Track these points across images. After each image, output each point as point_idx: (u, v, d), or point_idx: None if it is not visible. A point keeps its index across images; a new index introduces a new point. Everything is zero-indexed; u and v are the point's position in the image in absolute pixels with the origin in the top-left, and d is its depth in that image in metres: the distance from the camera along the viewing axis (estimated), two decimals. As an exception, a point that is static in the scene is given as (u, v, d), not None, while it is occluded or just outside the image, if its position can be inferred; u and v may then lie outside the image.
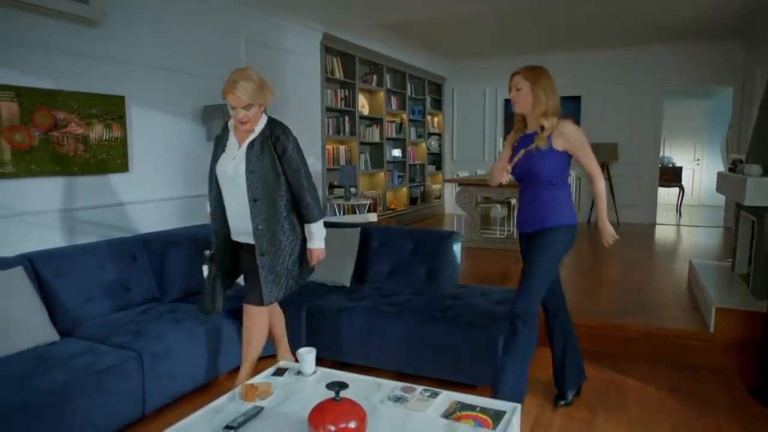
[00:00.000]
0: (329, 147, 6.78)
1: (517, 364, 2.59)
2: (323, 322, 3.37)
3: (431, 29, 7.39)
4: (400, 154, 8.60)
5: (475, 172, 8.43)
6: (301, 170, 2.69)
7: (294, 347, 2.97)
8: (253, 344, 2.83)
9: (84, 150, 3.58)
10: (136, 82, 3.94)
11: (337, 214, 6.67)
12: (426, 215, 9.34)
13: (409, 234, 3.99)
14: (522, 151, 2.60)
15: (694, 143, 11.50)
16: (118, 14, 3.78)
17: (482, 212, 7.06)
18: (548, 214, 2.61)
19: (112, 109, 3.75)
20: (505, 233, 7.03)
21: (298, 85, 5.94)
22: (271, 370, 2.46)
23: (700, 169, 11.48)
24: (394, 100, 8.39)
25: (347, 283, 3.76)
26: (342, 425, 1.69)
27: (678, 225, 8.84)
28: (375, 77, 7.77)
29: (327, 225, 4.15)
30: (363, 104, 7.63)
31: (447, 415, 2.00)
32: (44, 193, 3.37)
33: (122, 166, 3.86)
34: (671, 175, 10.21)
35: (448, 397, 2.15)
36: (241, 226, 2.70)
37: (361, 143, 7.53)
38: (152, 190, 4.13)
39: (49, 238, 3.37)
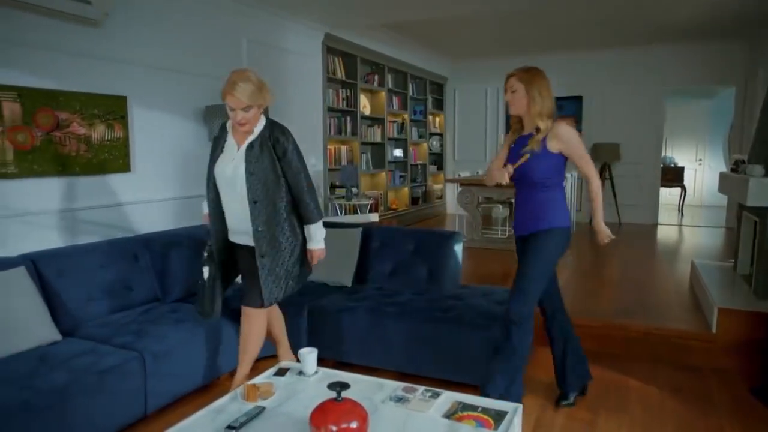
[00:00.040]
0: (331, 147, 6.78)
1: (510, 367, 2.59)
2: (325, 322, 3.37)
3: (433, 29, 7.39)
4: (402, 154, 8.60)
5: (477, 172, 8.43)
6: (301, 172, 2.69)
7: (295, 347, 2.97)
8: (251, 347, 2.80)
9: (86, 150, 3.59)
10: (138, 82, 3.95)
11: (339, 214, 6.67)
12: (427, 215, 9.34)
13: (411, 234, 3.99)
14: (526, 156, 2.58)
15: (696, 143, 11.48)
16: (120, 14, 3.79)
17: (484, 212, 7.06)
18: (542, 216, 2.60)
19: (114, 110, 3.76)
20: (507, 233, 7.02)
21: (300, 86, 5.95)
22: (272, 370, 2.46)
23: (702, 169, 11.46)
24: (395, 100, 8.39)
25: (349, 283, 3.76)
26: (343, 425, 1.69)
27: (680, 225, 8.82)
28: (376, 77, 7.77)
29: (329, 225, 4.15)
30: (364, 104, 7.63)
31: (448, 415, 2.00)
32: (46, 194, 3.38)
33: (124, 167, 3.86)
34: (673, 176, 10.20)
35: (449, 397, 2.15)
36: (240, 228, 2.68)
37: (363, 143, 7.53)
38: (154, 190, 4.13)
39: (51, 238, 3.38)
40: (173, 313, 3.15)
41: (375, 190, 7.91)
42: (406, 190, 8.82)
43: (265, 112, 4.33)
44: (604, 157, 8.62)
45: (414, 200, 9.05)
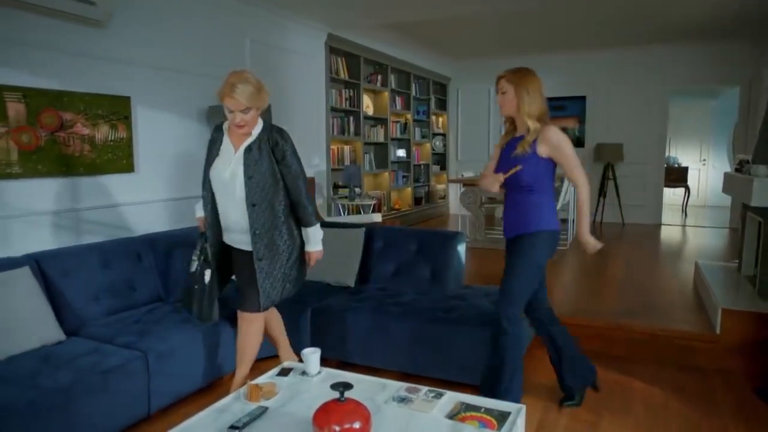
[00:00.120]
0: (334, 147, 6.79)
1: (506, 372, 2.59)
2: (328, 323, 3.37)
3: (435, 29, 7.38)
4: (405, 155, 8.60)
5: (480, 173, 8.42)
6: (300, 175, 2.67)
7: (299, 347, 2.96)
8: (249, 350, 2.78)
9: (90, 150, 3.60)
10: (142, 82, 3.96)
11: (342, 214, 6.68)
12: (430, 215, 9.34)
13: (414, 234, 3.99)
14: (518, 167, 2.56)
15: (699, 143, 11.44)
16: (124, 15, 3.80)
17: (487, 212, 7.06)
18: (529, 219, 2.60)
19: (118, 110, 3.77)
20: (510, 234, 7.00)
21: (303, 86, 5.95)
22: (275, 370, 2.46)
23: (705, 169, 11.42)
24: (398, 100, 8.39)
25: (352, 283, 3.76)
26: (346, 426, 1.69)
27: (684, 225, 8.80)
28: (379, 77, 7.77)
29: (332, 225, 4.17)
30: (367, 104, 7.63)
31: (452, 415, 2.00)
32: (50, 194, 3.39)
33: (128, 167, 3.87)
34: (677, 176, 10.17)
35: (452, 397, 2.15)
36: (237, 231, 2.65)
37: (366, 143, 7.53)
38: (157, 191, 4.14)
39: (55, 238, 3.40)
40: (176, 313, 3.16)
41: (378, 190, 7.91)
42: (409, 190, 8.82)
43: (268, 112, 4.31)
44: (608, 157, 8.60)
45: (417, 200, 9.05)
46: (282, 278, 2.68)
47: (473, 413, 2.00)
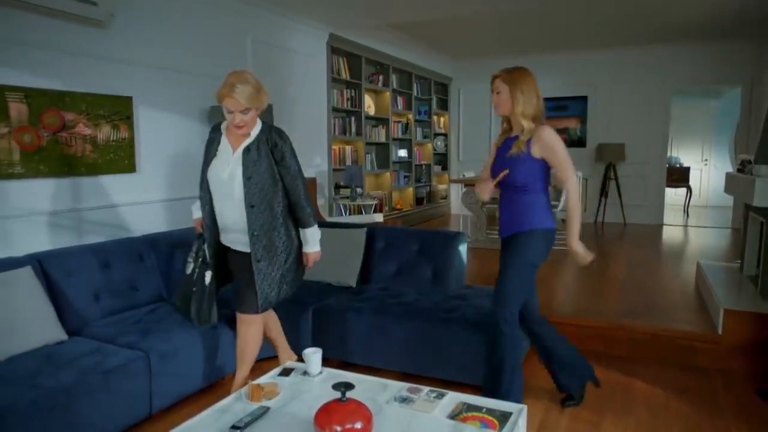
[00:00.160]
0: (335, 147, 6.79)
1: (506, 373, 2.58)
2: (329, 323, 3.38)
3: (437, 29, 7.39)
4: (406, 155, 8.60)
5: (479, 172, 8.41)
6: (299, 176, 2.66)
7: (300, 347, 2.95)
8: (248, 351, 2.76)
9: (92, 150, 3.60)
10: (143, 82, 3.96)
11: (343, 214, 6.68)
12: (432, 215, 9.34)
13: (415, 234, 3.99)
14: (506, 171, 2.57)
15: (701, 143, 11.43)
16: (126, 15, 3.81)
17: (488, 213, 7.05)
18: (524, 218, 2.59)
19: (120, 110, 3.77)
20: (512, 234, 7.00)
21: (305, 86, 5.95)
22: (277, 370, 2.47)
23: (707, 169, 11.41)
24: (400, 100, 8.39)
25: (353, 283, 3.76)
26: (348, 426, 1.69)
27: (685, 226, 8.79)
28: (381, 77, 7.77)
29: (333, 225, 4.18)
30: (369, 104, 7.63)
31: (453, 416, 2.00)
32: (52, 194, 3.40)
33: (129, 167, 3.87)
34: (679, 176, 10.16)
35: (454, 398, 2.15)
36: (235, 233, 2.63)
37: (367, 143, 7.53)
38: (159, 191, 4.15)
39: (57, 238, 3.40)
40: (178, 314, 3.15)
41: (379, 190, 7.91)
42: (410, 190, 8.82)
43: (269, 112, 4.32)
44: (609, 157, 8.60)
45: (418, 200, 9.05)
46: (280, 279, 2.66)
47: (475, 413, 2.00)
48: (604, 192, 8.67)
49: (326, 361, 2.51)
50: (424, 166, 9.35)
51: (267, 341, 3.00)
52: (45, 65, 3.31)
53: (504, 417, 1.97)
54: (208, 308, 2.73)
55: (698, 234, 7.94)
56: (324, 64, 6.34)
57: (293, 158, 2.65)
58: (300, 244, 2.75)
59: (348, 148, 7.11)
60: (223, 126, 2.66)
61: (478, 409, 2.04)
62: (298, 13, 5.60)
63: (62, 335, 2.75)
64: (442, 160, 10.12)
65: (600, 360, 3.50)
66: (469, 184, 6.70)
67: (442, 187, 9.99)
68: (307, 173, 5.80)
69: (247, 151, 2.56)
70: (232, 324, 3.10)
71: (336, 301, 3.48)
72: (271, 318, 2.96)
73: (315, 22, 5.96)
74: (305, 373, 2.39)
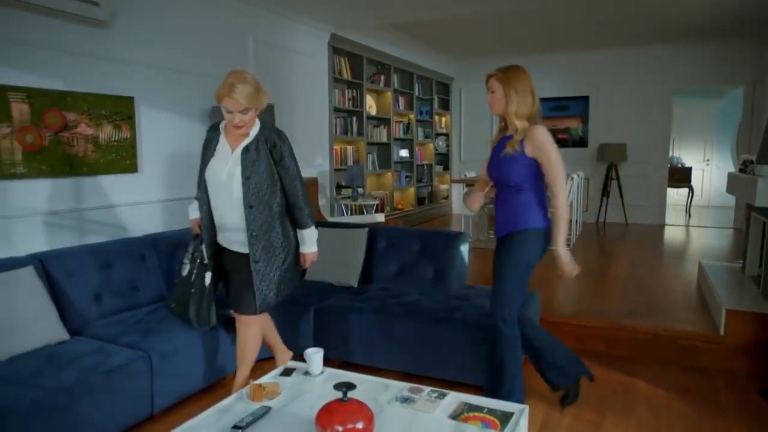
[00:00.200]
0: (337, 147, 6.79)
1: (507, 373, 2.57)
2: (331, 323, 3.38)
3: (438, 29, 7.38)
4: (408, 155, 8.60)
5: (479, 172, 8.41)
6: (297, 176, 2.64)
7: (302, 347, 2.95)
8: (248, 352, 2.74)
9: (93, 150, 3.61)
10: (145, 82, 3.97)
11: (345, 214, 6.68)
12: (433, 215, 9.33)
13: (417, 234, 3.99)
14: (489, 188, 2.61)
15: (703, 143, 11.41)
16: (127, 16, 3.81)
17: (489, 213, 7.05)
18: (518, 218, 2.57)
19: (122, 110, 3.77)
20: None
21: (306, 86, 5.96)
22: (278, 370, 2.47)
23: (709, 169, 11.40)
24: (401, 100, 8.39)
25: (355, 283, 3.76)
26: (349, 426, 1.69)
27: (687, 226, 8.78)
28: (382, 77, 7.77)
29: (335, 225, 4.18)
30: (370, 104, 7.63)
31: (454, 416, 2.00)
32: (54, 194, 3.40)
33: (131, 167, 3.88)
34: (680, 176, 10.15)
35: (455, 398, 2.14)
36: (233, 234, 2.61)
37: (369, 143, 7.53)
38: (161, 191, 4.15)
39: (58, 238, 3.40)
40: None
41: (381, 190, 7.91)
42: (412, 190, 8.81)
43: (271, 112, 4.32)
44: (611, 157, 8.59)
45: (420, 200, 9.04)
46: (278, 280, 2.64)
47: (476, 413, 2.00)
48: (605, 192, 8.66)
49: (327, 361, 2.50)
50: (425, 166, 9.35)
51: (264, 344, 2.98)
52: (47, 65, 3.32)
53: (505, 417, 1.97)
54: (208, 309, 2.72)
55: (700, 234, 7.93)
56: (325, 64, 6.34)
57: (292, 159, 2.64)
58: (297, 245, 2.74)
59: (349, 148, 7.11)
60: (222, 125, 2.65)
61: (479, 409, 2.04)
62: (299, 13, 5.60)
63: (64, 335, 2.75)
64: (444, 160, 10.11)
65: (601, 360, 3.50)
66: (471, 184, 6.70)
67: (443, 187, 9.99)
68: (309, 173, 5.82)
69: (246, 151, 2.55)
70: (231, 324, 3.10)
71: (337, 301, 3.48)
72: (266, 321, 2.93)
73: (316, 22, 5.96)
74: (307, 373, 2.39)
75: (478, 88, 9.79)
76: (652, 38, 7.91)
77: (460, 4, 5.58)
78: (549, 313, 3.87)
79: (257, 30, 5.15)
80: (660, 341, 3.57)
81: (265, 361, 3.16)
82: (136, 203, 3.95)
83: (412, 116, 8.64)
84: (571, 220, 7.06)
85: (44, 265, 2.91)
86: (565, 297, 4.52)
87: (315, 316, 3.42)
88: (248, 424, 1.94)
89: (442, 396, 2.15)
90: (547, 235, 2.62)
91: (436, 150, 9.63)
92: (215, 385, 3.11)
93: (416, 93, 8.72)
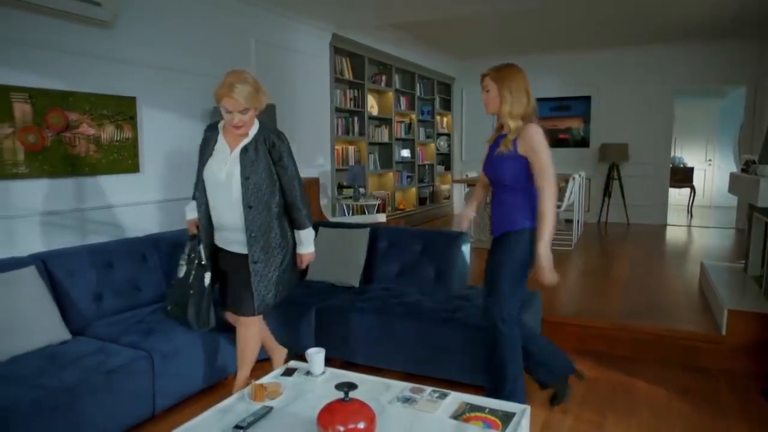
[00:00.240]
0: (338, 147, 6.79)
1: (508, 374, 2.57)
2: (332, 323, 3.38)
3: (439, 29, 7.38)
4: (409, 155, 8.60)
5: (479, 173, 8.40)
6: (296, 177, 2.63)
7: (303, 347, 2.95)
8: (249, 352, 2.73)
9: (95, 151, 3.61)
10: (147, 83, 3.97)
11: (346, 214, 6.68)
12: (435, 216, 9.33)
13: (418, 234, 3.99)
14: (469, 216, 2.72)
15: (705, 143, 11.40)
16: (129, 16, 3.82)
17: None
18: (513, 218, 2.56)
19: (123, 110, 3.78)
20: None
21: (308, 86, 5.96)
22: (280, 370, 2.47)
23: (711, 169, 11.38)
24: (403, 100, 8.39)
25: (356, 283, 3.76)
26: (351, 426, 1.69)
27: (689, 226, 8.76)
28: (384, 77, 7.77)
29: (336, 225, 4.18)
30: (372, 104, 7.63)
31: (456, 416, 2.00)
32: (56, 194, 3.41)
33: (133, 167, 3.88)
34: (682, 176, 10.14)
35: (457, 398, 2.14)
36: (232, 234, 2.60)
37: (370, 143, 7.53)
38: (162, 191, 4.15)
39: (60, 238, 3.41)
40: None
41: (382, 190, 7.91)
42: (413, 190, 8.81)
43: (272, 112, 4.31)
44: (613, 157, 8.58)
45: (421, 200, 9.04)
46: (276, 281, 2.63)
47: (478, 414, 2.00)
48: (607, 192, 8.65)
49: (329, 361, 2.51)
50: (427, 166, 9.35)
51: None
52: (49, 65, 3.33)
53: (507, 417, 1.97)
54: (207, 310, 2.70)
55: (702, 234, 7.92)
56: (327, 64, 6.34)
57: (291, 159, 2.62)
58: (295, 245, 2.72)
59: (351, 148, 7.11)
60: (221, 125, 2.63)
61: (481, 409, 2.04)
62: (301, 13, 5.60)
63: (66, 335, 2.76)
64: (445, 160, 10.11)
65: (603, 360, 3.50)
66: (472, 184, 6.70)
67: (445, 187, 9.99)
68: (310, 173, 5.83)
69: (244, 150, 2.53)
70: (226, 325, 3.07)
71: (339, 301, 3.48)
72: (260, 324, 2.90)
73: (318, 22, 5.97)
74: (308, 373, 2.39)
75: (479, 89, 9.73)
76: (653, 38, 7.90)
77: (460, 4, 5.58)
78: (550, 313, 3.87)
79: (259, 30, 5.16)
80: (661, 341, 3.57)
81: (266, 361, 3.16)
82: (138, 203, 3.95)
83: (413, 116, 8.64)
84: (572, 221, 7.06)
85: (46, 265, 2.92)
86: (567, 297, 4.52)
87: (316, 316, 3.42)
88: (250, 424, 1.94)
89: (444, 396, 2.15)
90: None
91: (438, 150, 9.63)
92: (216, 385, 3.11)
93: (418, 93, 8.72)
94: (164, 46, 4.11)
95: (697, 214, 9.98)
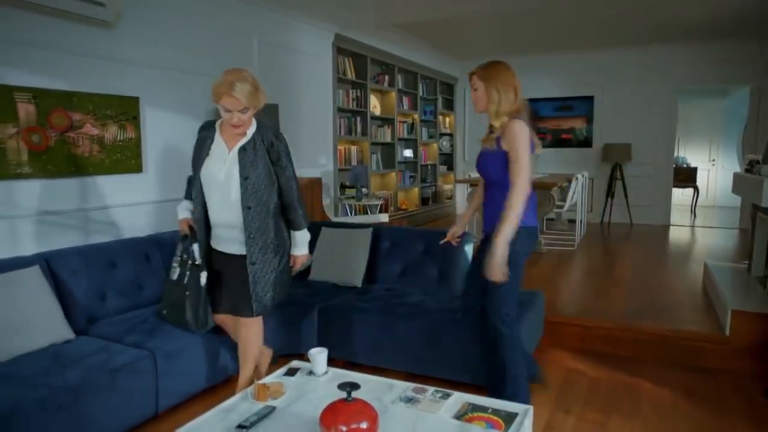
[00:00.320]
0: (341, 147, 6.80)
1: (509, 375, 2.55)
2: (335, 323, 3.38)
3: (442, 29, 7.38)
4: (412, 155, 8.60)
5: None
6: (293, 177, 2.61)
7: (306, 347, 2.96)
8: (250, 350, 2.72)
9: (99, 151, 3.62)
10: (150, 83, 3.98)
11: (349, 214, 6.68)
12: (437, 215, 9.32)
13: (421, 234, 3.99)
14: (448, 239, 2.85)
15: (709, 143, 11.37)
16: (133, 16, 3.82)
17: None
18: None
19: (127, 110, 3.79)
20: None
21: (310, 86, 5.96)
22: (282, 369, 2.47)
23: (715, 169, 11.35)
24: (405, 100, 8.39)
25: (359, 283, 3.76)
26: (353, 426, 1.69)
27: (692, 226, 8.74)
28: (386, 77, 7.77)
29: (339, 225, 4.18)
30: (374, 104, 7.64)
31: (458, 416, 2.00)
32: (60, 194, 3.42)
33: (136, 167, 3.89)
34: (686, 176, 10.11)
35: (459, 398, 2.14)
36: (229, 235, 2.57)
37: (373, 143, 7.53)
38: (165, 191, 4.16)
39: (64, 237, 3.42)
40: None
41: (385, 190, 7.91)
42: (416, 190, 8.81)
43: (276, 112, 4.31)
44: (616, 157, 8.56)
45: (424, 200, 9.04)
46: (273, 282, 2.60)
47: (480, 414, 2.00)
48: (610, 192, 8.64)
49: (331, 361, 2.50)
50: (429, 166, 9.35)
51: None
52: (53, 66, 3.33)
53: (510, 417, 1.97)
54: (205, 311, 2.65)
55: (705, 234, 7.90)
56: (329, 64, 6.35)
57: (289, 159, 2.60)
58: (290, 246, 2.71)
59: (353, 148, 7.12)
60: (218, 124, 2.59)
61: (483, 409, 2.04)
62: (303, 13, 5.61)
63: (69, 334, 2.77)
64: (448, 160, 10.11)
65: (606, 361, 3.49)
66: (474, 183, 6.69)
67: (447, 187, 9.98)
68: (313, 173, 5.83)
69: (243, 150, 2.50)
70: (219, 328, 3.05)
71: (341, 301, 3.48)
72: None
73: (320, 22, 5.97)
74: (311, 372, 2.39)
75: (482, 88, 9.80)
76: (653, 38, 7.88)
77: (461, 4, 5.57)
78: (553, 314, 3.87)
79: (261, 30, 5.16)
80: (665, 342, 3.56)
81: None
82: (141, 203, 3.96)
83: (416, 116, 8.64)
84: (575, 221, 7.05)
85: (50, 264, 2.93)
86: (569, 297, 4.51)
87: (319, 316, 3.42)
88: (252, 424, 1.95)
89: (447, 396, 2.15)
90: (533, 232, 2.59)
91: (440, 150, 9.63)
92: (219, 384, 3.11)
93: (420, 93, 8.72)
94: (167, 46, 4.12)
95: (701, 214, 9.96)
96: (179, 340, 2.84)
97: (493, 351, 2.59)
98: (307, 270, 3.90)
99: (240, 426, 1.93)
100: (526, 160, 2.42)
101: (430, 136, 9.24)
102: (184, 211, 2.74)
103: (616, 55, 8.61)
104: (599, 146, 8.92)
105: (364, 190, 6.67)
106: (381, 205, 6.90)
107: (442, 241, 3.06)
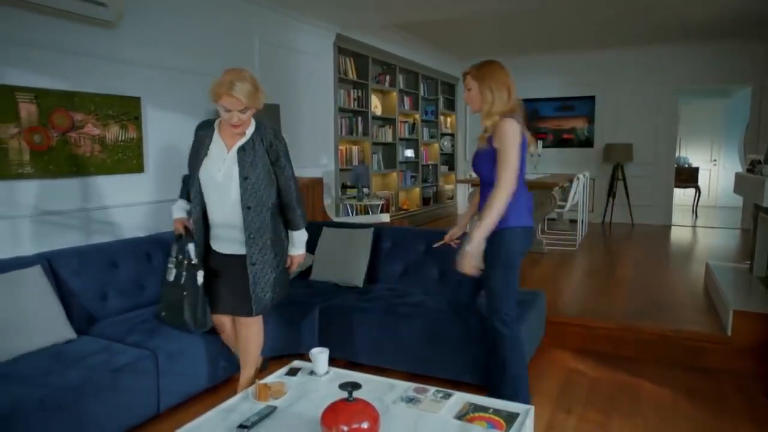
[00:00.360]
0: (342, 147, 6.80)
1: (509, 375, 2.55)
2: (336, 323, 3.38)
3: (443, 29, 7.38)
4: (413, 155, 8.60)
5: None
6: (292, 177, 2.61)
7: (307, 347, 2.96)
8: (251, 350, 2.71)
9: (100, 151, 3.62)
10: (151, 83, 3.98)
11: (350, 214, 6.68)
12: (439, 216, 9.32)
13: (422, 234, 3.99)
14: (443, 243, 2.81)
15: (710, 143, 11.35)
16: (134, 16, 3.83)
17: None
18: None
19: (128, 110, 3.79)
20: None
21: (311, 86, 5.97)
22: (284, 369, 2.47)
23: (716, 169, 11.33)
24: (406, 100, 8.39)
25: (360, 283, 3.76)
26: (355, 425, 1.69)
27: (694, 226, 8.73)
28: (388, 78, 7.77)
29: (340, 225, 4.18)
30: (376, 105, 7.64)
31: (460, 416, 2.00)
32: (61, 194, 3.42)
33: (137, 167, 3.90)
34: (687, 176, 10.10)
35: (460, 398, 2.14)
36: (229, 235, 2.56)
37: (374, 143, 7.53)
38: (166, 191, 4.15)
39: (65, 237, 3.42)
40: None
41: (386, 190, 7.91)
42: (417, 190, 8.81)
43: (276, 112, 4.31)
44: (617, 157, 8.56)
45: (425, 200, 9.04)
46: (273, 282, 2.60)
47: (481, 414, 2.00)
48: (611, 192, 8.63)
49: (333, 361, 2.51)
50: (430, 166, 9.35)
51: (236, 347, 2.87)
52: (55, 66, 3.34)
53: (511, 418, 1.97)
54: (203, 311, 2.64)
55: (707, 234, 7.89)
56: (331, 64, 6.35)
57: (288, 159, 2.60)
58: (288, 246, 2.70)
59: (355, 148, 7.12)
60: (216, 123, 2.57)
61: (484, 409, 2.04)
62: (304, 13, 5.61)
63: (71, 334, 2.77)
64: (449, 160, 10.11)
65: (607, 361, 3.49)
66: (476, 184, 6.69)
67: (448, 187, 9.98)
68: (314, 173, 5.83)
69: (242, 150, 2.49)
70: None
71: (342, 301, 3.48)
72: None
73: (322, 23, 5.97)
74: (312, 372, 2.39)
75: (483, 88, 9.79)
76: (653, 38, 7.87)
77: (461, 4, 5.57)
78: (554, 314, 3.87)
79: (262, 30, 5.16)
80: (666, 342, 3.56)
81: (269, 360, 3.17)
82: (142, 203, 3.96)
83: (417, 116, 8.64)
84: (576, 221, 7.04)
85: (51, 264, 2.93)
86: (571, 297, 4.51)
87: (320, 316, 3.43)
88: (254, 424, 1.95)
89: (448, 396, 2.15)
90: (528, 232, 2.59)
91: (442, 150, 9.63)
92: (221, 384, 3.11)
93: (421, 93, 8.72)
94: (168, 46, 4.12)
95: (702, 214, 9.95)
96: (181, 340, 2.84)
97: (493, 351, 2.60)
98: (308, 270, 3.90)
99: (241, 426, 1.93)
100: (513, 158, 2.41)
101: (432, 136, 9.24)
102: (179, 210, 2.73)
103: (616, 55, 8.61)
104: (600, 146, 8.92)
105: (365, 190, 6.67)
106: (382, 205, 6.90)
107: (436, 245, 3.05)
